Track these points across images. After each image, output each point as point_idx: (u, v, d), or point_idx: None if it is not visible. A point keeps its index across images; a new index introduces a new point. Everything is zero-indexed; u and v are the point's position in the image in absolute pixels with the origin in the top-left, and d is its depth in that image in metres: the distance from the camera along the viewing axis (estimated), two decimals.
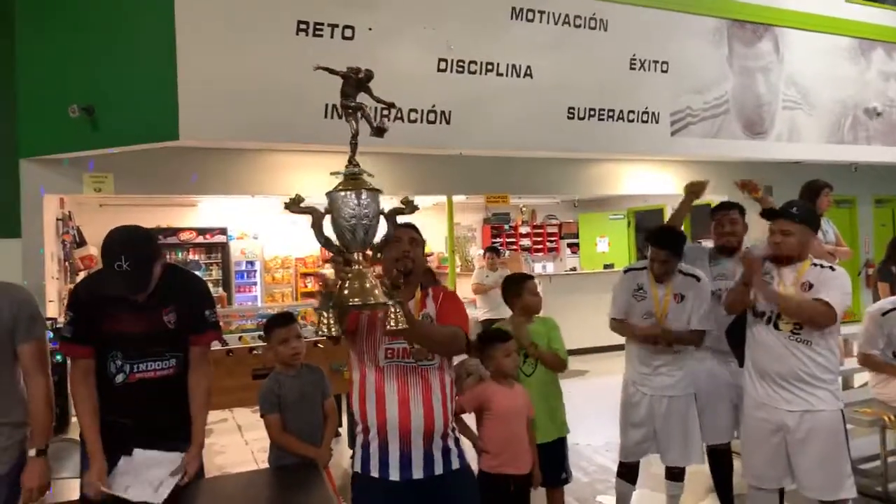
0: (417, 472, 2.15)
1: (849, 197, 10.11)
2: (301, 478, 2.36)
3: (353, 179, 1.84)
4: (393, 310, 1.83)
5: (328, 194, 1.84)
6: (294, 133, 6.11)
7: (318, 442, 2.84)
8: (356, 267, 1.81)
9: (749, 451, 2.95)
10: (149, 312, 2.35)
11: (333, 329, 1.79)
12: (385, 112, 2.16)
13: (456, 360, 2.98)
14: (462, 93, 6.56)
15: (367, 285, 1.78)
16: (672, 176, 9.33)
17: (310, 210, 1.86)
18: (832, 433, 2.74)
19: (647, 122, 7.54)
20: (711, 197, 9.78)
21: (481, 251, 9.21)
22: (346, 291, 1.77)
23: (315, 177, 7.43)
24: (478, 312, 7.56)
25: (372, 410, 2.17)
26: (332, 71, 1.98)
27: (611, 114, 7.29)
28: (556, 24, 7.01)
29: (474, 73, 6.64)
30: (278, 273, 10.82)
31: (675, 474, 3.37)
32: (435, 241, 11.16)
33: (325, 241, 1.86)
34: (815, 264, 2.85)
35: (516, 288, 3.18)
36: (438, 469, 2.18)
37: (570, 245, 13.40)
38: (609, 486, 3.86)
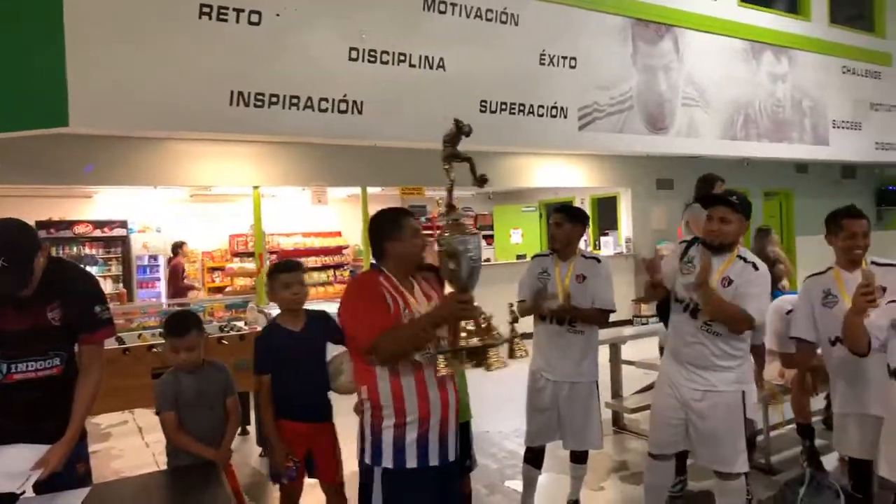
0: (452, 454, 2.23)
1: (741, 190, 10.77)
2: (197, 479, 2.27)
3: (459, 224, 2.10)
4: (518, 343, 2.13)
5: (449, 239, 2.05)
6: (198, 121, 5.86)
7: (219, 441, 2.74)
8: (478, 306, 2.05)
9: (655, 423, 3.08)
10: (31, 308, 2.22)
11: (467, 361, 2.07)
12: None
13: (329, 354, 2.96)
14: (374, 83, 6.49)
15: (486, 325, 2.09)
16: (580, 170, 9.66)
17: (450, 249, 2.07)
18: (731, 410, 2.88)
19: (556, 116, 7.73)
20: (617, 189, 10.23)
21: None
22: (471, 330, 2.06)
23: (221, 166, 7.17)
24: None
25: (412, 401, 2.14)
26: (459, 128, 2.24)
27: (521, 108, 7.43)
28: (468, 17, 7.05)
29: (386, 63, 6.58)
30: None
31: (578, 457, 3.49)
32: (350, 234, 11.04)
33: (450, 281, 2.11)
34: (741, 258, 2.88)
35: None
36: (456, 450, 2.29)
37: (485, 236, 13.60)
38: (517, 471, 3.94)
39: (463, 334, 2.11)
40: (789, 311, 4.04)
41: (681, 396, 2.94)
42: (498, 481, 4.15)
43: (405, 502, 2.14)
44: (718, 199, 2.90)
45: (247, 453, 4.83)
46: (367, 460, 2.18)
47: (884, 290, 2.72)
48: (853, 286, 2.85)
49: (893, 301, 2.60)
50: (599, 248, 10.33)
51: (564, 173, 9.54)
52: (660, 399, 3.08)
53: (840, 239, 2.97)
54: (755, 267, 2.84)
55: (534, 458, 3.45)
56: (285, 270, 3.03)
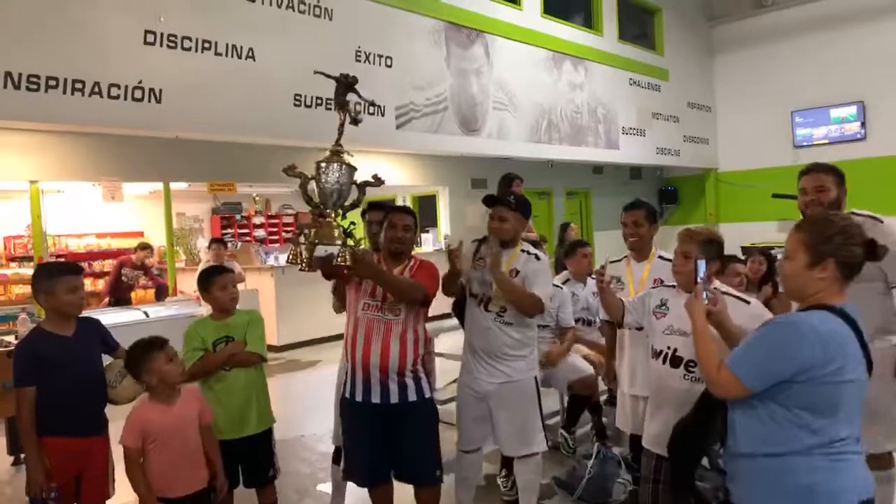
0: (375, 398, 2.83)
1: (546, 189, 11.64)
2: None
3: (336, 155, 2.57)
4: (344, 251, 2.52)
5: (318, 163, 2.57)
6: None
7: None
8: (327, 220, 2.55)
9: (461, 419, 3.19)
10: None
11: (304, 263, 2.51)
12: (363, 109, 2.67)
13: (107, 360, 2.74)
14: (175, 70, 6.02)
15: (333, 233, 2.53)
16: (399, 168, 9.78)
17: (300, 174, 2.60)
18: (526, 397, 3.09)
19: (373, 114, 7.72)
20: (436, 188, 10.51)
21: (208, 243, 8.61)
22: (315, 234, 2.51)
23: None
24: (203, 310, 7.03)
25: (350, 347, 2.88)
26: (328, 76, 2.77)
27: None
28: (278, 6, 6.81)
29: (189, 49, 6.13)
30: None
31: None
32: (154, 233, 10.16)
33: (308, 199, 2.62)
34: (524, 251, 3.11)
35: (206, 283, 2.99)
36: (394, 399, 2.82)
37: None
38: (330, 473, 3.87)
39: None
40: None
41: (480, 389, 3.07)
42: (310, 485, 4.05)
43: (347, 420, 2.97)
44: (497, 199, 3.10)
45: (20, 487, 4.21)
46: None
47: (661, 281, 3.05)
48: (638, 274, 3.20)
49: (655, 286, 2.92)
50: (420, 245, 10.55)
51: (384, 171, 9.39)
52: (462, 394, 3.19)
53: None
54: (537, 258, 3.09)
55: (340, 457, 3.38)
56: (71, 272, 2.75)
